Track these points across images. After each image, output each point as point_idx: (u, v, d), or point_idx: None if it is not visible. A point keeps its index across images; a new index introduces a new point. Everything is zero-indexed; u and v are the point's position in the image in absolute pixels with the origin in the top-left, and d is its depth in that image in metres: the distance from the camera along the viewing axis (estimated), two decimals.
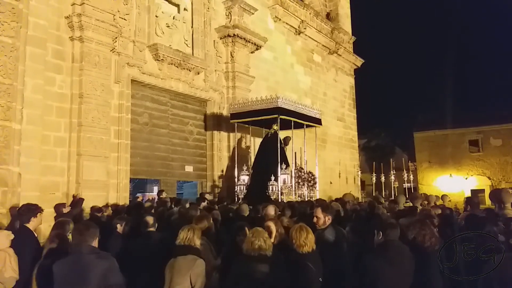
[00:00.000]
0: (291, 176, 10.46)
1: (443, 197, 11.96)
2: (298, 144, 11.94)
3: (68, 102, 8.75)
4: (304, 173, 11.07)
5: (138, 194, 10.43)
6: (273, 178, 9.74)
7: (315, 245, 3.66)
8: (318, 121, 11.61)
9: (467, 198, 7.23)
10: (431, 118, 28.45)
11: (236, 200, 10.27)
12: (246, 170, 10.85)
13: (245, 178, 10.71)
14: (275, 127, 10.82)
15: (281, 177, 9.92)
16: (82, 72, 8.81)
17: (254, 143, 12.23)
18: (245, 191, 10.48)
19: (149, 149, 10.66)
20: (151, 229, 4.50)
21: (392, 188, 15.36)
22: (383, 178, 15.97)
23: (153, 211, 6.45)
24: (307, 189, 11.01)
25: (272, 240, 3.88)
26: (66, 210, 7.31)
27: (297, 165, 11.59)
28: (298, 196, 10.60)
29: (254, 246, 3.21)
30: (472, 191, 26.64)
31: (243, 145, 12.61)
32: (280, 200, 9.31)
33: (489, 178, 26.26)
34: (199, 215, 4.50)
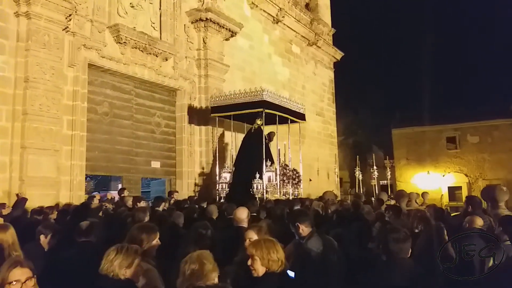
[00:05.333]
0: (276, 174, 9.78)
1: (424, 194, 11.48)
2: (279, 140, 11.18)
3: (11, 87, 7.68)
4: (289, 171, 10.39)
5: (95, 193, 9.33)
6: (257, 175, 9.12)
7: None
8: (302, 117, 11.11)
9: (468, 197, 6.57)
10: (409, 115, 28.21)
11: (217, 199, 9.54)
12: (227, 167, 10.16)
13: (227, 176, 10.01)
14: (259, 121, 10.10)
15: (266, 175, 9.31)
16: (28, 52, 7.74)
17: (235, 138, 11.30)
18: (227, 189, 9.78)
19: (110, 142, 9.61)
20: (85, 238, 3.50)
21: (374, 185, 14.83)
22: (360, 176, 15.54)
23: (101, 214, 5.42)
24: (292, 187, 10.34)
25: None
26: (6, 211, 6.51)
27: (281, 162, 10.81)
28: (283, 195, 9.97)
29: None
30: (450, 188, 26.58)
31: (223, 140, 11.77)
32: (265, 199, 8.72)
33: (466, 175, 26.18)
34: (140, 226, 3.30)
